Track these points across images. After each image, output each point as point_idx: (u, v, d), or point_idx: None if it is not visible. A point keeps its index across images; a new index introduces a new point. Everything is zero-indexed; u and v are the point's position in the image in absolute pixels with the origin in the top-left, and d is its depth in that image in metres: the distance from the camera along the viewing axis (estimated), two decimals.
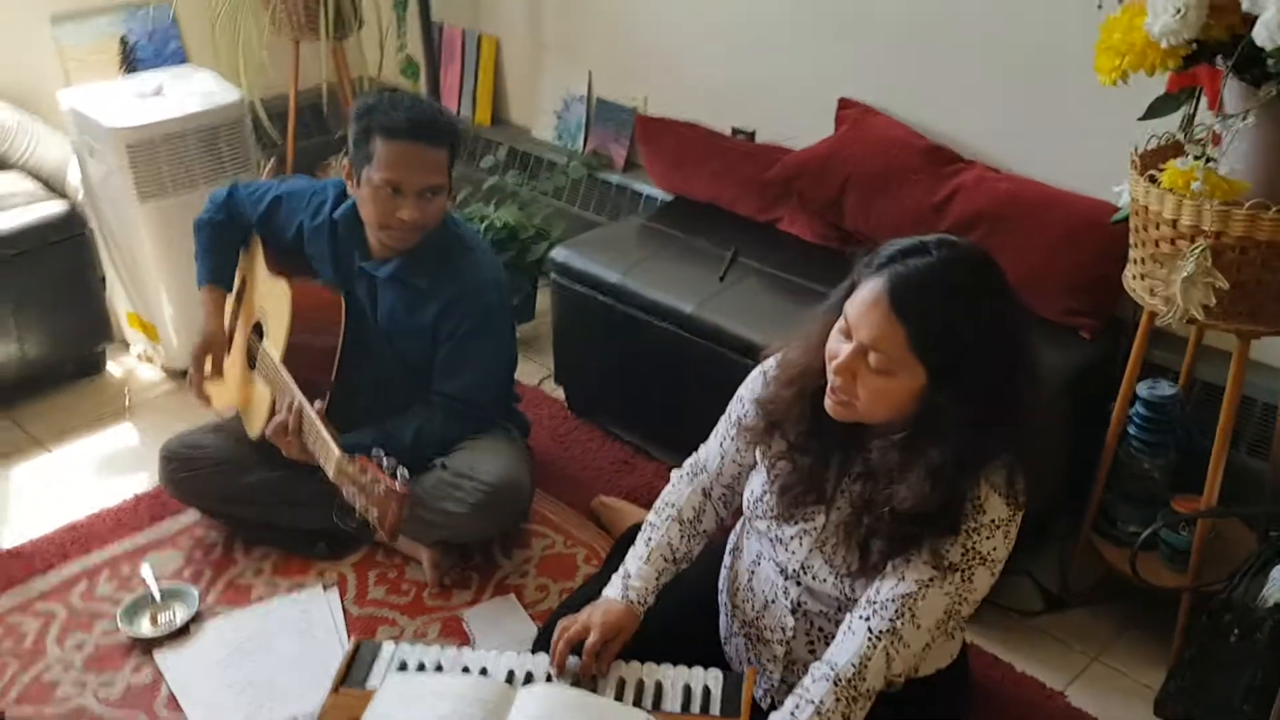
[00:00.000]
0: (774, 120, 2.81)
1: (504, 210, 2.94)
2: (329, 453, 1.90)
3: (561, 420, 2.75)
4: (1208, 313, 1.67)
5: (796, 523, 1.60)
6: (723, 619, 1.81)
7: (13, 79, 3.18)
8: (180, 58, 3.53)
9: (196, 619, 2.15)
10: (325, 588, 2.23)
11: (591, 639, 1.61)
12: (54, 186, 3.07)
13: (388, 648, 1.71)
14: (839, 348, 1.45)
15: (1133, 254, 1.81)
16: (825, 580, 1.57)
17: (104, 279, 3.06)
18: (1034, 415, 1.48)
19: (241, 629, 2.13)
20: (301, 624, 2.13)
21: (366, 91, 3.65)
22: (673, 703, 1.60)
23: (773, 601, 1.66)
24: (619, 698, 1.60)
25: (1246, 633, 1.70)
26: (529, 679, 1.64)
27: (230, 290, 2.42)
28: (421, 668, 1.66)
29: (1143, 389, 1.98)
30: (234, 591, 2.24)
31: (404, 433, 2.17)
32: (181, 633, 2.12)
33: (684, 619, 1.79)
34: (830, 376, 1.47)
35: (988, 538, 1.44)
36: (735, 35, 2.82)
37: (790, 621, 1.64)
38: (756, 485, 1.66)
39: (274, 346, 2.18)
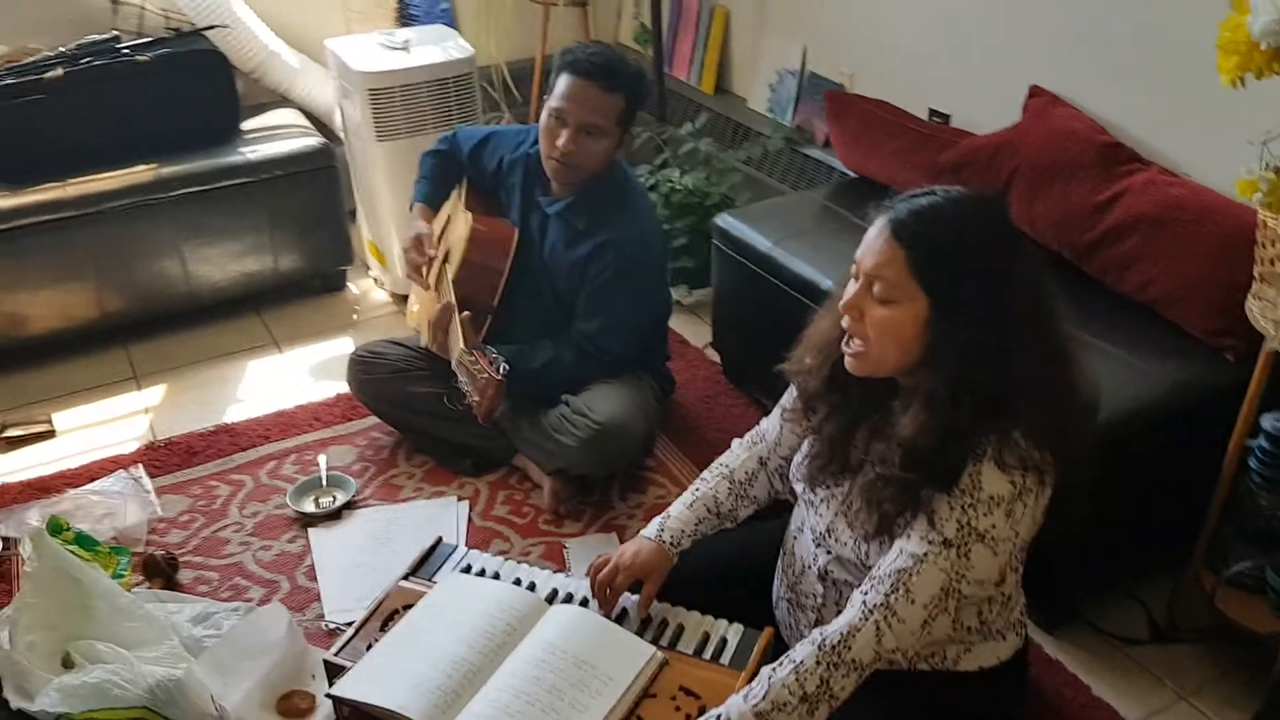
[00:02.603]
0: (969, 104, 2.75)
1: (690, 176, 3.05)
2: (456, 346, 2.18)
3: (713, 384, 2.85)
4: None
5: (827, 487, 1.65)
6: (775, 583, 1.88)
7: (301, 26, 3.64)
8: (448, 18, 3.90)
9: (350, 506, 2.47)
10: (459, 499, 2.49)
11: (619, 579, 1.73)
12: (322, 124, 3.53)
13: (460, 551, 1.91)
14: (847, 290, 1.50)
15: (1255, 272, 1.67)
16: (846, 544, 1.60)
17: (353, 211, 3.48)
18: (1058, 389, 1.45)
19: (381, 521, 2.43)
20: (430, 526, 2.39)
21: None
22: (688, 646, 1.70)
23: (808, 568, 1.71)
24: (640, 631, 1.72)
25: None
26: (568, 599, 1.79)
27: (436, 210, 2.68)
28: (481, 573, 1.86)
29: (1267, 420, 1.82)
30: (387, 488, 2.54)
31: (537, 355, 2.36)
32: (334, 516, 2.45)
33: (742, 579, 1.88)
34: (843, 324, 1.51)
35: (985, 514, 1.42)
36: (939, 15, 2.77)
37: (819, 588, 1.68)
38: (800, 452, 1.72)
39: (450, 267, 2.44)
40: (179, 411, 2.90)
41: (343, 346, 3.17)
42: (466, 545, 2.34)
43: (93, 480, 2.57)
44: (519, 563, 1.89)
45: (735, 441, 1.87)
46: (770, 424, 1.82)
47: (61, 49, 3.13)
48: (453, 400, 2.34)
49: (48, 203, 2.98)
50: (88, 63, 3.09)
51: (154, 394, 3.00)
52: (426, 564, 1.89)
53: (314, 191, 3.28)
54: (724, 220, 2.72)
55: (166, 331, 3.23)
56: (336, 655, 1.71)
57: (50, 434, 2.83)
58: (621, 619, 1.75)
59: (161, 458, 2.67)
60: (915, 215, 1.44)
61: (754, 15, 3.46)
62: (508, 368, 2.08)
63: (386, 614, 1.78)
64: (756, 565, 1.88)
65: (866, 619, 1.47)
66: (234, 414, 2.86)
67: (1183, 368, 2.01)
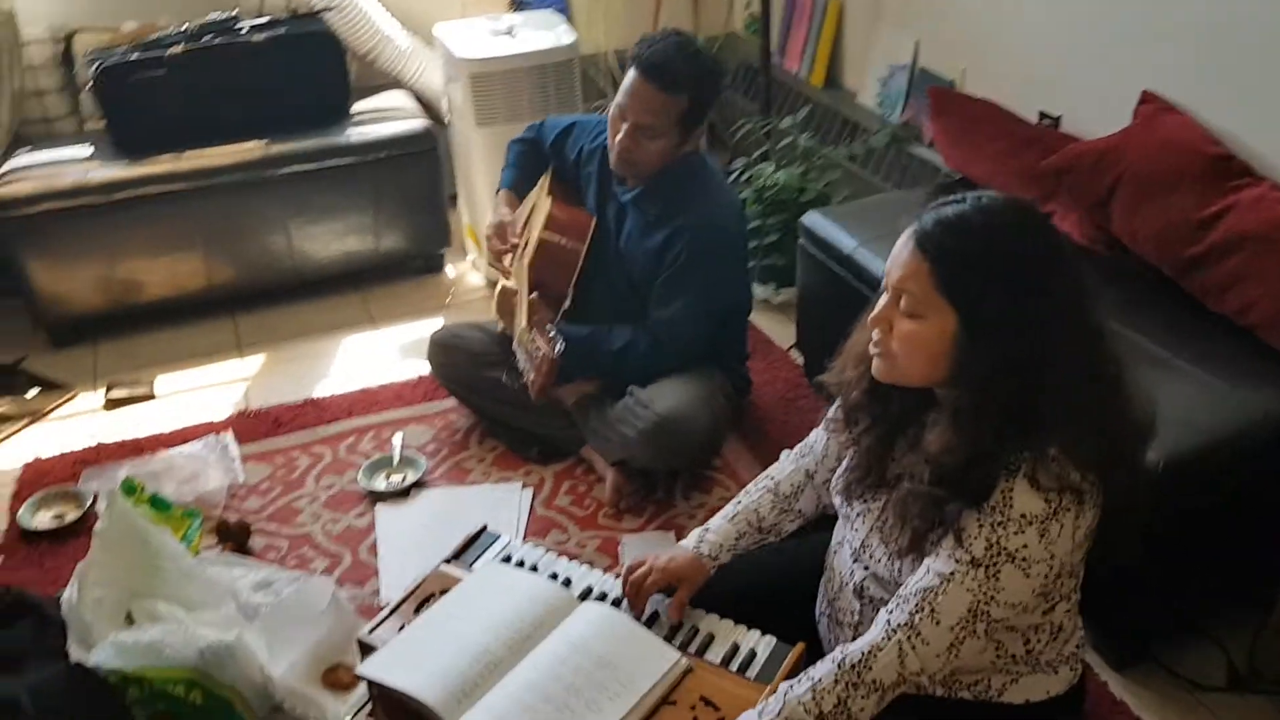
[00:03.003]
0: (1080, 107, 2.60)
1: (784, 171, 2.98)
2: (518, 326, 2.20)
3: (794, 387, 2.79)
4: None
5: (864, 501, 1.59)
6: (818, 598, 1.82)
7: (419, 9, 3.70)
8: (562, 3, 3.91)
9: (418, 485, 2.51)
10: (524, 486, 2.50)
11: (650, 580, 1.70)
12: (430, 107, 3.58)
13: (503, 540, 1.91)
14: (878, 302, 1.45)
15: None
16: (880, 561, 1.54)
17: (454, 196, 3.54)
18: (1101, 409, 1.36)
19: (446, 503, 2.46)
20: (493, 511, 2.41)
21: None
22: (715, 655, 1.66)
23: (845, 584, 1.65)
24: (669, 637, 1.69)
25: None
26: (602, 598, 1.77)
27: (521, 199, 2.69)
28: (520, 565, 1.85)
29: None
30: (456, 471, 2.57)
31: (615, 338, 2.35)
32: (402, 494, 2.49)
33: (788, 593, 1.82)
34: (872, 337, 1.46)
35: (1016, 533, 1.34)
36: (1054, 13, 2.63)
37: (856, 605, 1.62)
38: (841, 464, 1.66)
39: (527, 251, 2.45)
40: (273, 382, 3.00)
41: (434, 327, 3.21)
42: (526, 533, 2.37)
43: (184, 444, 2.68)
44: (560, 557, 1.88)
45: (784, 453, 1.82)
46: (818, 436, 1.77)
47: (185, 27, 3.27)
48: (510, 378, 2.36)
49: (163, 174, 3.12)
50: (207, 41, 3.21)
51: (253, 364, 3.11)
52: (468, 551, 1.90)
53: (417, 174, 3.34)
54: (810, 218, 2.65)
55: (271, 304, 3.34)
56: (369, 634, 1.73)
57: (150, 397, 2.96)
58: (652, 622, 1.72)
59: (250, 426, 2.76)
60: (941, 226, 1.37)
61: (868, 7, 3.35)
62: (563, 347, 2.10)
63: (423, 597, 1.79)
64: (802, 579, 1.83)
65: (889, 639, 1.41)
66: (323, 388, 2.94)
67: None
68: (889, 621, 1.42)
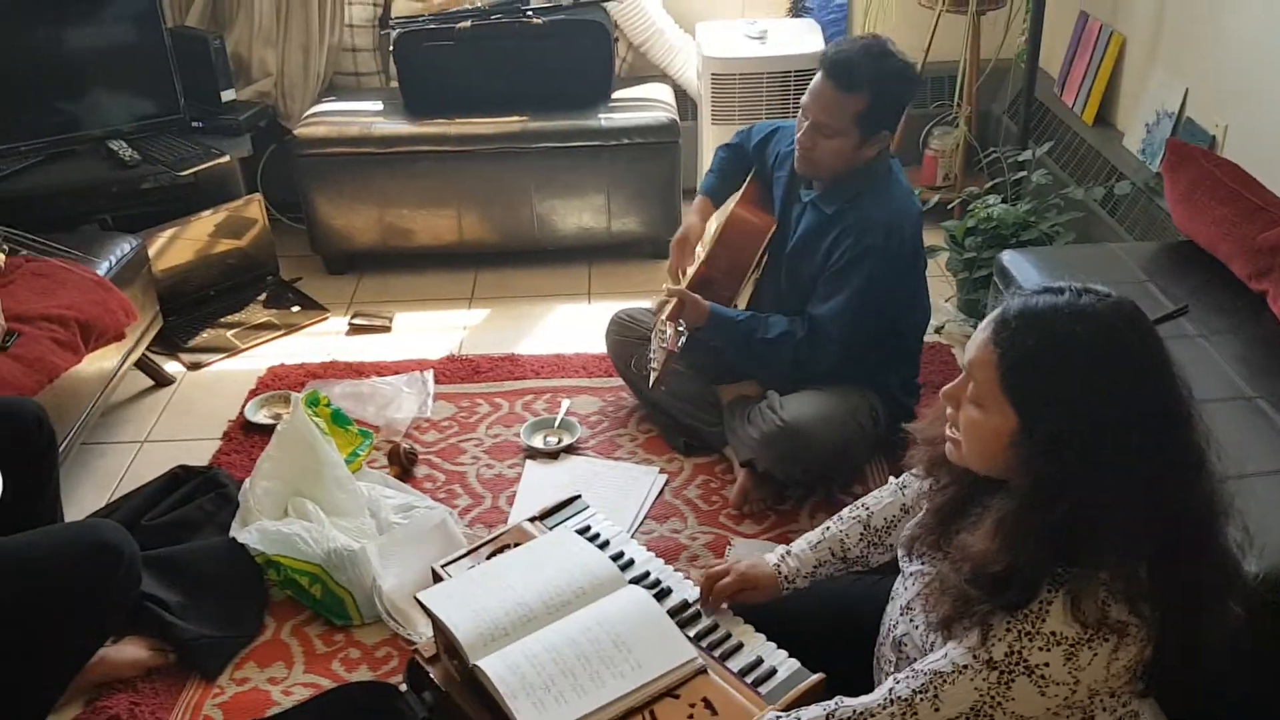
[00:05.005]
0: None
1: (1003, 206, 2.86)
2: (661, 314, 2.35)
3: None
4: None
5: (921, 560, 1.56)
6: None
7: (697, 6, 3.82)
8: (843, 13, 3.91)
9: (569, 450, 2.68)
10: (661, 472, 2.60)
11: (727, 580, 1.75)
12: (686, 101, 3.73)
13: (588, 512, 2.03)
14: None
15: None
16: (919, 627, 1.51)
17: (691, 190, 3.65)
18: (1178, 551, 1.26)
19: (588, 471, 2.61)
20: (625, 488, 2.53)
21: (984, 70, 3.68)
22: (735, 663, 1.69)
23: (890, 633, 1.63)
24: (699, 635, 1.74)
25: None
26: (653, 586, 1.84)
27: (718, 205, 2.76)
28: (594, 538, 1.96)
29: None
30: (607, 444, 2.71)
31: (772, 326, 2.36)
32: (553, 455, 2.67)
33: (855, 627, 1.81)
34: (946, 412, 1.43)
35: (1041, 649, 1.27)
36: None
37: (893, 657, 1.60)
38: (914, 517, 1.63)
39: (703, 249, 2.53)
40: (487, 334, 3.28)
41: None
42: (647, 515, 2.47)
43: (395, 375, 3.00)
44: (634, 541, 1.96)
45: (891, 479, 1.79)
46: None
47: (479, 4, 3.60)
48: (638, 364, 2.45)
49: (434, 135, 3.47)
50: (494, 19, 3.53)
51: (478, 315, 3.41)
52: (555, 514, 2.03)
53: (657, 164, 3.50)
54: (1008, 256, 2.55)
55: (507, 264, 3.64)
56: (443, 567, 1.91)
57: (386, 329, 3.33)
58: (695, 617, 1.78)
59: (453, 369, 3.05)
60: (1023, 319, 1.28)
61: (1146, 47, 3.12)
62: (684, 340, 2.19)
63: (499, 545, 1.95)
64: (871, 614, 1.81)
65: (885, 708, 1.38)
66: (524, 346, 3.18)
67: None
68: (892, 690, 1.39)
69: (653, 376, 2.29)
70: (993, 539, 1.31)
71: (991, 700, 1.31)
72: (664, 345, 2.24)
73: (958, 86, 3.62)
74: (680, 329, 2.24)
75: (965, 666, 1.32)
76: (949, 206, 3.55)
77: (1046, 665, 1.27)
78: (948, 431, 1.42)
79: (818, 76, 2.25)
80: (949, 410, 1.40)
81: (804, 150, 2.29)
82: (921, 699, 1.35)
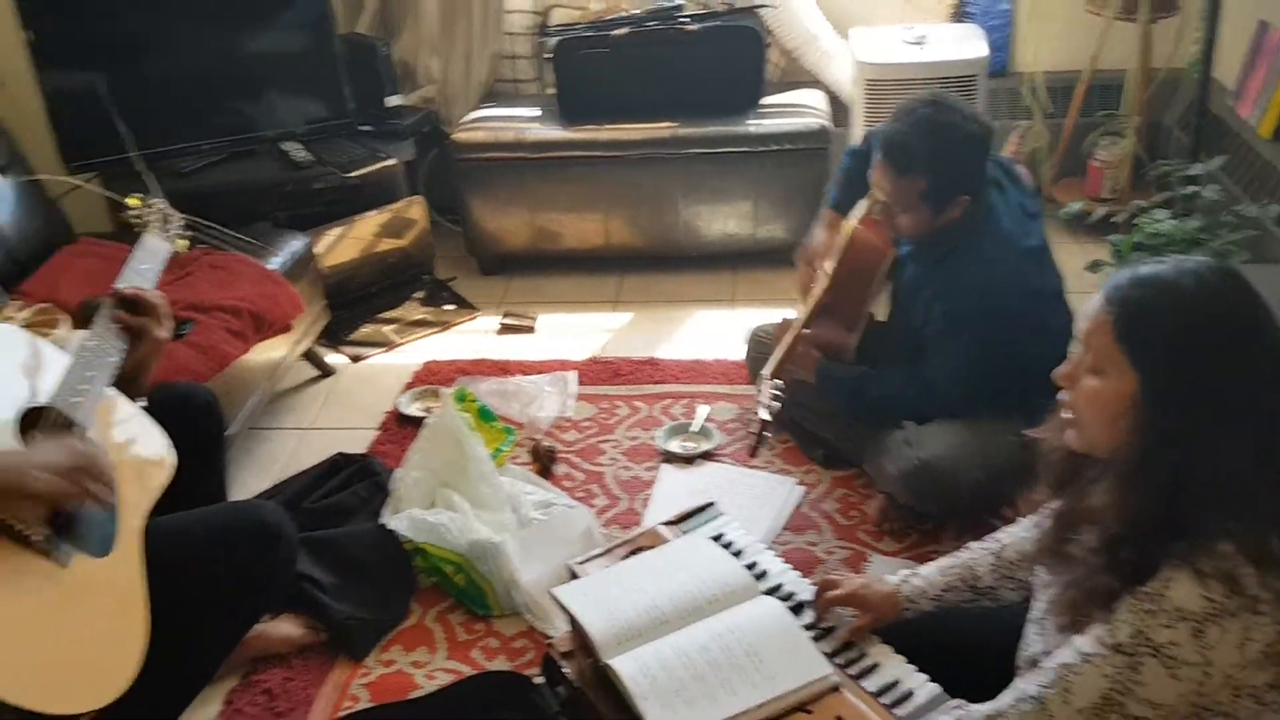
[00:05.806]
0: None
1: (1173, 222, 2.74)
2: (773, 359, 2.32)
3: None
4: None
5: (1047, 572, 1.53)
6: None
7: (854, 10, 3.75)
8: (1006, 17, 3.80)
9: (705, 456, 2.69)
10: (799, 483, 2.58)
11: (840, 592, 1.75)
12: (840, 106, 3.69)
13: (722, 519, 2.04)
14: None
15: None
16: (1051, 638, 1.48)
17: None
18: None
19: (723, 479, 2.61)
20: (761, 497, 2.53)
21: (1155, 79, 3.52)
22: (872, 684, 1.67)
23: (1026, 649, 1.59)
24: (835, 652, 1.72)
25: None
26: (786, 598, 1.84)
27: (844, 216, 2.72)
28: (727, 546, 1.97)
29: None
30: (743, 453, 2.71)
31: (880, 385, 2.33)
32: (688, 461, 2.69)
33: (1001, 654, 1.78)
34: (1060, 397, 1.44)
35: (1165, 626, 1.25)
36: None
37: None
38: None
39: (829, 266, 2.50)
40: (630, 337, 3.33)
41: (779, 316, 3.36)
42: (784, 527, 2.46)
43: (539, 374, 3.07)
44: (768, 552, 1.96)
45: (1027, 517, 1.75)
46: None
47: (635, 12, 3.65)
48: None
49: (585, 141, 3.54)
50: (648, 26, 3.57)
51: (622, 319, 3.46)
52: (690, 519, 2.04)
53: (806, 170, 3.47)
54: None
55: (652, 269, 3.67)
56: (579, 564, 1.95)
57: (531, 330, 3.41)
58: (828, 633, 1.77)
59: (595, 371, 3.10)
60: (1133, 281, 1.33)
61: None
62: (766, 411, 2.23)
63: (634, 546, 1.98)
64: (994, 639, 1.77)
65: (1014, 707, 1.37)
66: (665, 351, 3.21)
67: None
68: (1020, 689, 1.38)
69: (747, 445, 2.27)
70: (1113, 494, 1.33)
71: (1122, 687, 1.28)
72: (760, 403, 2.24)
73: (1124, 96, 3.47)
74: (777, 390, 2.22)
75: (1092, 654, 1.31)
76: (1113, 220, 3.42)
77: (1174, 644, 1.25)
78: (1063, 415, 1.43)
79: (876, 155, 2.20)
80: (1064, 394, 1.42)
81: (885, 220, 2.25)
82: (1051, 693, 1.33)
